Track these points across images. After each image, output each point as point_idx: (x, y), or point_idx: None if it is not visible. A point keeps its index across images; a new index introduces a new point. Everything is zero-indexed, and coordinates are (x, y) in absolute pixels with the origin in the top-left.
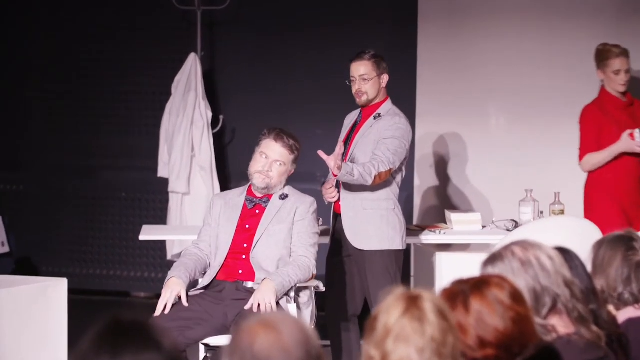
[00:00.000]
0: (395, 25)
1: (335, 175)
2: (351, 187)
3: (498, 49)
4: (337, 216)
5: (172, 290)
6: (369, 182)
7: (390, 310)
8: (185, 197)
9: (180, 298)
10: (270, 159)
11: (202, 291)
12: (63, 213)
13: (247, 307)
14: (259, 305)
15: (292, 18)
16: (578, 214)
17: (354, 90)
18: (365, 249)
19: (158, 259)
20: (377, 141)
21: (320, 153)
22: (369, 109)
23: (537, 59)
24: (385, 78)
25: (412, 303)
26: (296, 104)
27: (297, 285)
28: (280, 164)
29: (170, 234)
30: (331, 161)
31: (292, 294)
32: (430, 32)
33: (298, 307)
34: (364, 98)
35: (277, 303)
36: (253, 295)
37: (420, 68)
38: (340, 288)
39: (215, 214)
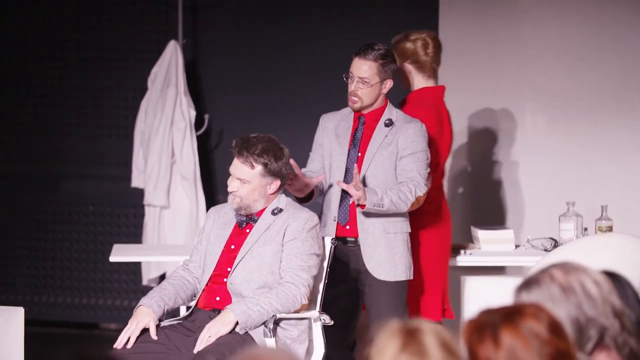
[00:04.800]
0: (412, 9)
1: (362, 207)
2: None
3: (534, 36)
4: (339, 240)
5: (139, 321)
6: (405, 210)
7: (385, 349)
8: (164, 212)
9: (148, 330)
10: (234, 176)
11: (178, 322)
12: (19, 231)
13: (195, 349)
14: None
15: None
16: (629, 230)
17: (349, 90)
18: (391, 280)
19: (132, 285)
20: (398, 155)
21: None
22: (370, 115)
23: (581, 48)
24: (388, 84)
25: (411, 337)
26: (295, 102)
27: (285, 317)
28: (243, 182)
29: (146, 254)
30: (352, 189)
31: (270, 325)
32: (453, 17)
33: (282, 342)
34: (357, 105)
35: (231, 332)
36: (206, 326)
37: (443, 60)
38: (336, 327)
39: (207, 229)
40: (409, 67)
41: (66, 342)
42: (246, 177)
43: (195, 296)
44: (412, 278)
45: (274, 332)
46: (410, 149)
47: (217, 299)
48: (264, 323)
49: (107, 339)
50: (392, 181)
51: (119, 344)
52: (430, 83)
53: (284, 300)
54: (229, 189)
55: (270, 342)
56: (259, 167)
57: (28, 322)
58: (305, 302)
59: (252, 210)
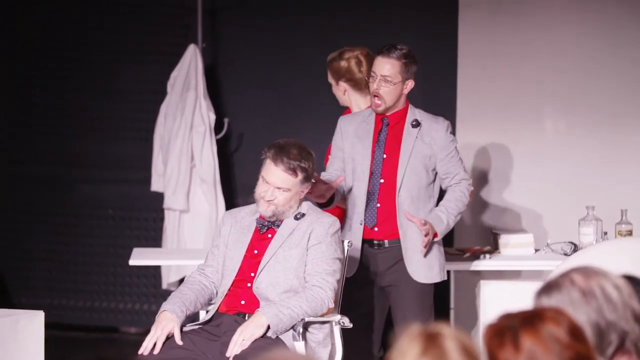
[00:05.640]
0: (432, 11)
1: (435, 236)
2: (404, 210)
3: (554, 40)
4: (364, 243)
5: (164, 326)
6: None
7: (405, 353)
8: (184, 215)
9: (173, 335)
10: (272, 185)
11: (200, 326)
12: (38, 234)
13: (228, 353)
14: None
15: (311, 1)
16: None
17: (371, 89)
18: (427, 282)
19: (151, 289)
20: (433, 157)
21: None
22: (393, 116)
23: (600, 51)
24: (409, 85)
25: (431, 342)
26: (315, 104)
27: (311, 321)
28: (284, 191)
29: (166, 258)
30: (422, 227)
31: (300, 329)
32: (472, 20)
33: (309, 345)
34: (381, 108)
35: (267, 337)
36: (237, 330)
37: (462, 63)
38: (363, 330)
39: (224, 234)
40: (344, 85)
41: (86, 346)
42: (287, 186)
43: (212, 301)
44: (445, 279)
45: (303, 335)
46: (446, 150)
47: (242, 302)
48: (292, 327)
49: (127, 343)
50: (425, 182)
51: (145, 350)
52: (368, 100)
53: (313, 304)
54: (267, 198)
55: (300, 345)
56: (301, 175)
57: (48, 326)
58: (332, 305)
59: (284, 216)
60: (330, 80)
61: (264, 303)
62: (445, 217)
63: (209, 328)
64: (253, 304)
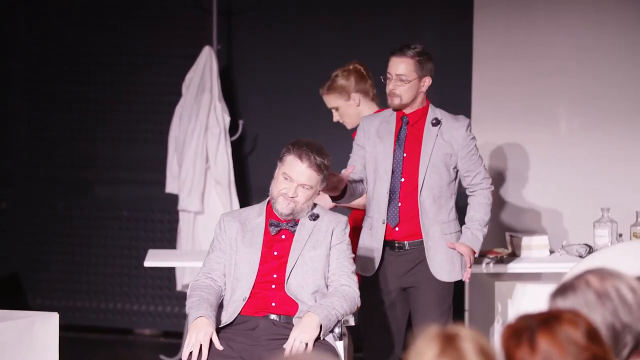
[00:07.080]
0: (447, 14)
1: (475, 253)
2: (426, 209)
3: (569, 42)
4: (387, 244)
5: (205, 332)
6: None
7: (423, 354)
8: (199, 217)
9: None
10: (295, 182)
11: (225, 330)
12: (54, 236)
13: (287, 351)
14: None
15: (326, 4)
16: None
17: (387, 90)
18: (451, 280)
19: (166, 290)
20: (454, 155)
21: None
22: (413, 115)
23: (615, 53)
24: (427, 82)
25: (449, 343)
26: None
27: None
28: (307, 188)
29: (181, 259)
30: (466, 252)
31: (338, 330)
32: (487, 23)
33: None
34: (397, 102)
35: (319, 339)
36: (291, 333)
37: (477, 64)
38: (384, 332)
39: (229, 237)
40: (357, 95)
41: (100, 348)
42: (311, 183)
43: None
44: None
45: (341, 335)
46: (466, 149)
47: (273, 304)
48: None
49: (142, 345)
50: (447, 181)
51: (193, 358)
52: (374, 106)
53: (350, 303)
54: (290, 195)
55: (340, 345)
56: (323, 173)
57: (62, 328)
58: (359, 303)
59: (300, 216)
60: (337, 103)
61: (303, 305)
62: (481, 232)
63: (242, 332)
64: (286, 305)
